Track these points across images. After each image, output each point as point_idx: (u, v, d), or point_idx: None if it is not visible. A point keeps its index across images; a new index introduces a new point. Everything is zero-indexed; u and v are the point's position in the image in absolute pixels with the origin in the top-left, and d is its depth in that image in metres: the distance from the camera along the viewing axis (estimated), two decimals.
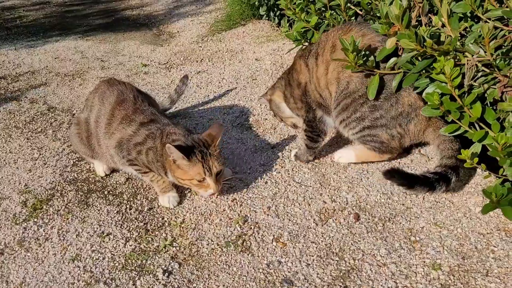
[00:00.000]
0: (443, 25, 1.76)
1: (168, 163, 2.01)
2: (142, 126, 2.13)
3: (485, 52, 1.59)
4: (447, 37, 1.74)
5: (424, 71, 1.77)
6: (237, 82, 3.42)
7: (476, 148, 1.73)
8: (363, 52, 1.90)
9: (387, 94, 2.00)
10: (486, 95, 1.69)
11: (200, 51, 4.22)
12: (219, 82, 3.46)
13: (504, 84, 1.61)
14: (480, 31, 1.57)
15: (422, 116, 1.97)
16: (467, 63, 1.64)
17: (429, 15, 1.99)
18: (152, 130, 2.11)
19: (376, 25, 1.99)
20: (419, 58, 1.74)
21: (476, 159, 1.67)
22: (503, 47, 1.67)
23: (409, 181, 1.83)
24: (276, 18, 4.40)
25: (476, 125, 1.72)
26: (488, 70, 1.64)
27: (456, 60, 1.65)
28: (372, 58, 1.91)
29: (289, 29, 4.06)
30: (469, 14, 1.85)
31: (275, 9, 4.28)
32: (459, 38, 1.79)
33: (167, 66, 3.94)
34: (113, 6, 6.42)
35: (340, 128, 2.19)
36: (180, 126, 2.15)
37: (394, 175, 1.84)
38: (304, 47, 2.31)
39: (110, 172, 2.40)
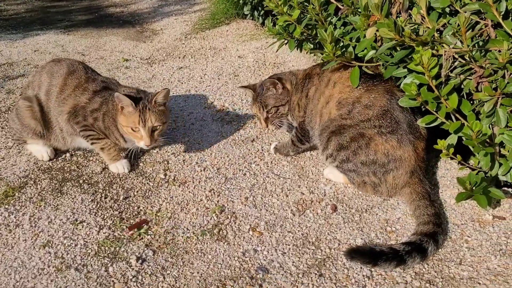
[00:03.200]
0: (423, 19, 1.78)
1: (118, 114, 2.13)
2: (96, 94, 2.23)
3: (462, 43, 1.61)
4: (426, 30, 1.76)
5: (401, 63, 1.79)
6: (219, 78, 3.41)
7: (452, 139, 1.75)
8: (342, 43, 1.90)
9: (355, 134, 1.91)
10: (462, 86, 1.71)
11: (183, 48, 4.20)
12: (201, 78, 3.44)
13: (479, 75, 1.63)
14: (457, 24, 1.59)
15: (403, 171, 1.86)
16: (445, 54, 1.65)
17: (409, 11, 2.01)
18: (105, 96, 2.22)
19: (355, 18, 2.01)
20: (398, 48, 1.76)
21: (452, 150, 1.69)
22: (479, 39, 1.70)
23: (372, 257, 1.61)
24: (260, 18, 4.42)
25: (453, 117, 1.74)
26: (464, 61, 1.67)
27: (434, 50, 1.67)
28: (350, 49, 1.91)
29: (273, 27, 4.08)
30: (447, 10, 1.88)
31: (259, 8, 4.30)
32: (437, 32, 1.82)
33: (149, 61, 3.91)
34: (97, 3, 6.37)
35: (320, 153, 2.12)
36: (132, 87, 2.31)
37: (354, 255, 1.64)
38: (322, 64, 2.24)
39: (54, 156, 2.41)
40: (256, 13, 4.42)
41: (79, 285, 1.62)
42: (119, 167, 2.28)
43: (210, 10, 5.03)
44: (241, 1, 4.42)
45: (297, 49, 2.70)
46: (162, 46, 4.32)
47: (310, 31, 2.53)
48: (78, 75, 2.28)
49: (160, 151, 2.47)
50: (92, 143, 2.28)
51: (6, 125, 2.76)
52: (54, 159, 2.40)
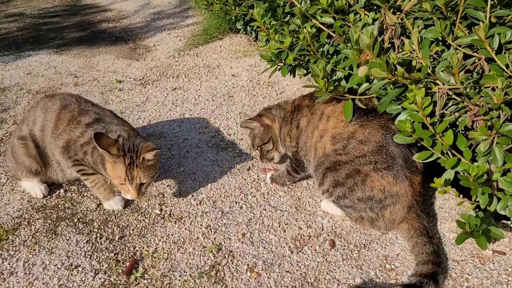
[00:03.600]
0: (414, 51, 1.76)
1: (105, 159, 2.05)
2: (88, 126, 2.16)
3: (455, 81, 1.59)
4: (418, 63, 1.73)
5: (396, 99, 1.76)
6: (213, 100, 3.38)
7: (449, 174, 1.72)
8: (335, 77, 1.88)
9: (351, 170, 1.90)
10: (457, 123, 1.68)
11: (177, 66, 4.17)
12: (195, 100, 3.41)
13: (474, 113, 1.60)
14: (449, 62, 1.57)
15: (400, 206, 1.85)
16: (438, 91, 1.63)
17: (402, 37, 1.99)
18: (97, 129, 2.12)
19: (347, 50, 1.98)
20: (391, 86, 1.73)
21: (449, 187, 1.66)
22: (473, 74, 1.67)
23: None
24: (253, 32, 4.39)
25: (449, 152, 1.72)
26: (459, 99, 1.64)
27: (427, 88, 1.64)
28: (343, 83, 1.89)
29: (266, 44, 4.05)
30: (440, 39, 1.85)
31: (252, 23, 4.26)
32: (431, 61, 1.79)
33: (143, 82, 3.88)
34: (89, 19, 6.32)
35: (317, 187, 2.11)
36: (128, 125, 2.22)
37: None
38: (311, 95, 2.24)
39: (47, 193, 2.38)
40: (249, 28, 4.39)
41: None
42: (113, 204, 2.24)
43: (203, 25, 5.00)
44: (233, 18, 4.39)
45: (290, 74, 2.68)
46: (155, 64, 4.28)
47: (302, 57, 2.51)
48: (71, 109, 2.24)
49: (156, 183, 2.44)
50: (84, 179, 2.25)
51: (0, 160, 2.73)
52: (48, 196, 2.37)
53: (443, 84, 1.63)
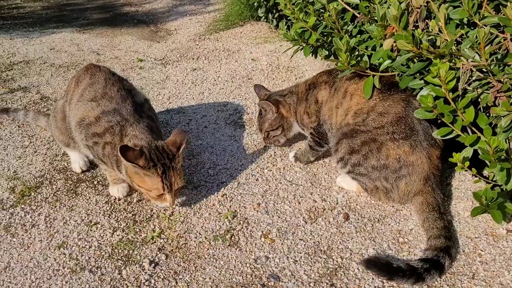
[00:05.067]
0: (440, 31, 1.77)
1: (125, 166, 1.92)
2: (104, 114, 2.00)
3: (480, 57, 1.61)
4: (443, 42, 1.75)
5: (418, 74, 1.78)
6: (232, 81, 3.42)
7: (468, 152, 1.74)
8: (357, 52, 1.90)
9: (367, 138, 1.91)
10: (479, 99, 1.70)
11: (197, 49, 4.22)
12: (215, 80, 3.46)
13: (497, 89, 1.62)
14: (476, 37, 1.58)
15: (416, 177, 1.85)
16: (462, 67, 1.65)
17: (427, 21, 2.01)
18: (112, 123, 1.98)
19: (372, 27, 2.00)
20: (415, 60, 1.75)
21: (467, 163, 1.68)
22: (497, 53, 1.69)
23: (388, 271, 1.60)
24: (275, 20, 4.42)
25: (469, 130, 1.73)
26: (482, 75, 1.66)
27: (451, 64, 1.66)
28: (365, 58, 1.91)
29: (287, 31, 4.08)
30: (465, 21, 1.87)
31: (274, 11, 4.30)
32: (455, 44, 1.81)
33: (163, 62, 3.93)
34: (111, 2, 6.40)
35: (332, 156, 2.13)
36: (143, 127, 1.99)
37: (370, 266, 1.64)
38: (328, 71, 2.27)
39: (86, 168, 2.33)
40: (270, 15, 4.42)
41: (93, 287, 1.64)
42: (114, 190, 2.13)
43: (225, 11, 5.04)
44: (255, 4, 4.42)
45: (312, 55, 2.70)
46: (176, 46, 4.34)
47: (325, 37, 2.54)
48: (96, 88, 2.12)
49: None
50: (97, 161, 2.16)
51: (23, 124, 2.80)
52: (87, 171, 2.35)
53: (467, 60, 1.65)
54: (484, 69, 1.66)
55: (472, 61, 1.63)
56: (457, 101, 1.69)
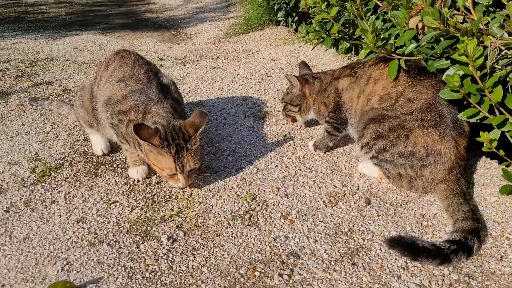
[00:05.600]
0: (467, 11, 1.76)
1: (144, 145, 1.92)
2: (131, 94, 2.04)
3: (509, 35, 1.58)
4: (470, 21, 1.73)
5: (444, 54, 1.76)
6: (251, 78, 3.43)
7: (495, 134, 1.70)
8: (383, 35, 1.89)
9: (395, 124, 1.88)
10: (508, 78, 1.66)
11: (216, 50, 4.26)
12: (234, 77, 3.47)
13: None
14: (506, 15, 1.56)
15: (441, 166, 1.81)
16: (491, 45, 1.62)
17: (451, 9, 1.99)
18: (138, 101, 2.00)
19: (397, 12, 1.99)
20: (441, 39, 1.73)
21: (495, 143, 1.64)
22: None
23: (413, 251, 1.56)
24: (294, 24, 4.45)
25: (496, 111, 1.70)
26: (511, 53, 1.63)
27: (479, 41, 1.64)
28: (391, 41, 1.90)
29: (306, 35, 4.10)
30: (492, 2, 1.84)
31: (294, 14, 4.33)
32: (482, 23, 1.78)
33: (183, 61, 3.97)
34: (133, 9, 6.54)
35: (356, 141, 2.12)
36: (167, 106, 2.01)
37: (394, 244, 1.61)
38: (352, 65, 2.26)
39: (107, 151, 2.34)
40: (290, 19, 4.46)
41: (110, 259, 1.63)
42: (134, 172, 2.13)
43: (244, 16, 5.10)
44: (275, 7, 4.46)
45: (333, 47, 2.71)
46: (195, 48, 4.39)
47: (347, 29, 2.54)
48: (125, 69, 2.17)
49: None
50: (120, 142, 2.18)
51: (45, 113, 2.83)
52: (107, 155, 2.36)
53: (496, 38, 1.62)
54: None
55: (500, 39, 1.61)
56: (485, 80, 1.66)
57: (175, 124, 1.92)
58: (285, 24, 4.65)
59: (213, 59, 4.00)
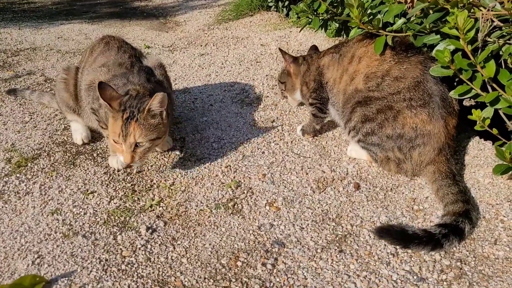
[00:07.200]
0: None
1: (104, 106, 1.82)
2: (113, 78, 1.97)
3: (502, 4, 1.49)
4: None
5: (434, 29, 1.67)
6: (240, 64, 3.33)
7: (488, 112, 1.61)
8: (370, 11, 1.79)
9: (382, 106, 1.79)
10: (501, 52, 1.57)
11: (205, 37, 4.15)
12: (222, 64, 3.37)
13: None
14: None
15: (430, 147, 1.73)
16: (482, 17, 1.53)
17: None
18: (118, 85, 1.91)
19: None
20: (430, 12, 1.64)
21: (487, 121, 1.55)
22: None
23: (403, 239, 1.49)
24: (285, 9, 4.34)
25: (489, 87, 1.61)
26: (503, 25, 1.53)
27: (470, 13, 1.54)
28: (379, 16, 1.80)
29: (297, 19, 4.00)
30: None
31: None
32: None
33: (171, 48, 3.87)
34: None
35: (343, 126, 2.03)
36: (148, 89, 1.88)
37: (385, 234, 1.53)
38: (336, 45, 2.17)
39: (88, 140, 2.25)
40: (280, 4, 4.34)
41: (85, 252, 1.54)
42: (114, 161, 2.02)
43: (234, 3, 4.98)
44: None
45: (321, 29, 2.61)
46: (184, 35, 4.28)
47: (335, 9, 2.44)
48: (109, 55, 2.12)
49: (177, 129, 2.40)
50: (100, 129, 2.11)
51: (25, 102, 2.74)
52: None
53: (487, 9, 1.53)
54: (506, 20, 1.54)
55: (492, 10, 1.51)
56: (476, 55, 1.57)
57: (143, 98, 1.79)
58: (275, 9, 4.53)
59: (201, 46, 3.89)
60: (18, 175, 1.99)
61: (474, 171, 1.83)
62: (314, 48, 2.48)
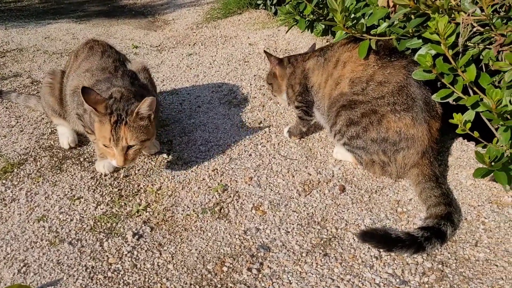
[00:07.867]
0: None
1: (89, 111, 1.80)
2: (97, 83, 1.96)
3: (481, 10, 1.51)
4: None
5: (416, 33, 1.68)
6: (228, 64, 3.33)
7: (469, 115, 1.63)
8: (353, 15, 1.80)
9: (367, 110, 1.81)
10: (481, 56, 1.59)
11: (194, 36, 4.14)
12: (210, 64, 3.37)
13: (500, 43, 1.51)
14: None
15: (414, 151, 1.75)
16: (462, 22, 1.55)
17: None
18: (102, 90, 1.89)
19: None
20: (412, 17, 1.65)
21: (469, 124, 1.57)
22: (500, 9, 1.59)
23: (387, 243, 1.51)
24: (273, 7, 4.32)
25: (470, 91, 1.63)
26: (483, 30, 1.55)
27: (451, 18, 1.56)
28: (362, 21, 1.81)
29: (285, 19, 3.99)
30: None
31: None
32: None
33: (159, 48, 3.85)
34: None
35: (328, 130, 2.03)
36: (131, 92, 1.87)
37: (368, 238, 1.55)
38: (321, 48, 2.18)
39: (75, 144, 2.25)
40: (268, 2, 4.34)
41: (71, 259, 1.55)
42: (100, 165, 2.03)
43: (223, 1, 4.96)
44: None
45: (307, 29, 2.62)
46: (172, 34, 4.26)
47: (321, 10, 2.45)
48: (92, 60, 2.11)
49: (165, 131, 2.40)
50: (87, 134, 2.09)
51: (11, 106, 2.72)
52: (74, 149, 2.26)
53: (467, 14, 1.55)
54: (485, 24, 1.56)
55: (472, 15, 1.53)
56: (457, 59, 1.59)
57: (129, 101, 1.79)
58: (264, 8, 4.53)
59: (190, 45, 3.88)
60: (4, 181, 1.99)
61: (457, 173, 1.85)
62: (314, 47, 2.49)
